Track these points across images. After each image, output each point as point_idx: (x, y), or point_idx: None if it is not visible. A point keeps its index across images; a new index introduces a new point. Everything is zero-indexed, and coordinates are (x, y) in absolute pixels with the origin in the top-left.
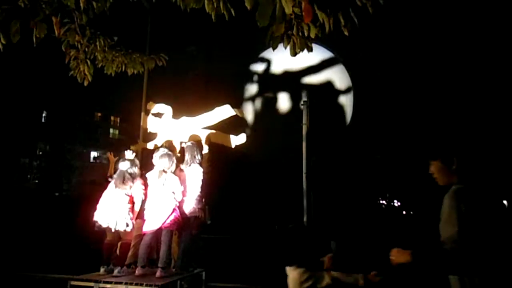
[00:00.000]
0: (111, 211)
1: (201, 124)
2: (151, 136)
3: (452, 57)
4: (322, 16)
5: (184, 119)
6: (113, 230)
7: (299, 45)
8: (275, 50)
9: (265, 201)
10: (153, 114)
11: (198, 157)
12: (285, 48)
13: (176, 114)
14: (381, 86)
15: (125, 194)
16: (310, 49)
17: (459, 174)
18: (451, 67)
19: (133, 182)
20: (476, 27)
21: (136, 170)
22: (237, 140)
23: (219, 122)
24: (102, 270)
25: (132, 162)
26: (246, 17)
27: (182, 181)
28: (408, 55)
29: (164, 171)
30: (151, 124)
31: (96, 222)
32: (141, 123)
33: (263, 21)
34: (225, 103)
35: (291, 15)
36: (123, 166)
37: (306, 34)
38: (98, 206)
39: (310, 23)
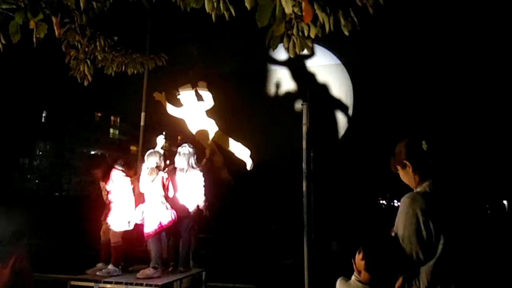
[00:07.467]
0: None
1: (213, 127)
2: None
3: (453, 58)
4: (322, 16)
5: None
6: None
7: (299, 45)
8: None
9: (264, 201)
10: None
11: (194, 163)
12: (285, 48)
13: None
14: (382, 86)
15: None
16: (310, 49)
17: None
18: (450, 67)
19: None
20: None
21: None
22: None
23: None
24: (99, 265)
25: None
26: (246, 17)
27: (174, 184)
28: (408, 55)
29: (156, 168)
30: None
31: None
32: (141, 123)
33: (263, 21)
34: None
35: (291, 15)
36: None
37: (306, 34)
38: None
39: (310, 23)
